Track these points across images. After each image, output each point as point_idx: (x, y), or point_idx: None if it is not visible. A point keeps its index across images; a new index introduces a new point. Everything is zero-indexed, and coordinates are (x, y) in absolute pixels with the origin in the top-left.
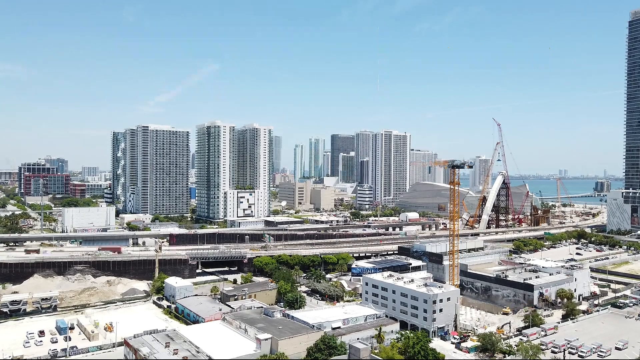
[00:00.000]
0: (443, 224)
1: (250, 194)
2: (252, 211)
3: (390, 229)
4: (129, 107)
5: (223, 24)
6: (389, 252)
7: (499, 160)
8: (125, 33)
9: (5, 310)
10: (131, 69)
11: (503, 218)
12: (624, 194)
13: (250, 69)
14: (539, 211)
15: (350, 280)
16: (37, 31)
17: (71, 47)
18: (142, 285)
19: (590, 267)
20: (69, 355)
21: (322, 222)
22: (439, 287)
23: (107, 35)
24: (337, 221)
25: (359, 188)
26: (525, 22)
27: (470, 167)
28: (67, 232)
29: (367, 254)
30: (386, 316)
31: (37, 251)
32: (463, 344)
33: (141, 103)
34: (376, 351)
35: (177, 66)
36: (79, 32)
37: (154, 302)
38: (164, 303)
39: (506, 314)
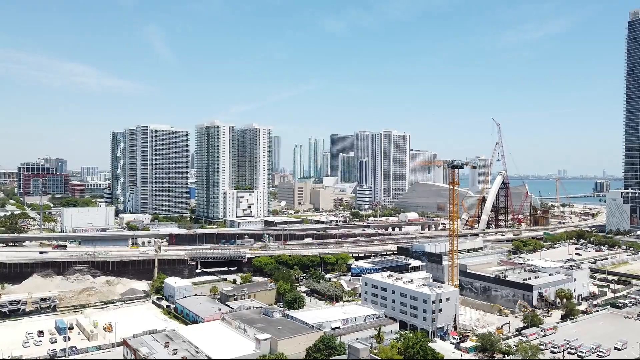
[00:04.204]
0: (442, 224)
1: (250, 194)
2: (251, 211)
3: (390, 229)
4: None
5: (221, 29)
6: (388, 252)
7: (498, 160)
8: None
9: (4, 310)
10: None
11: (502, 218)
12: (623, 194)
13: (250, 69)
14: (538, 211)
15: (349, 280)
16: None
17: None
18: (142, 285)
19: (589, 267)
20: (68, 355)
21: (321, 222)
22: (439, 287)
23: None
24: (337, 221)
25: (358, 188)
26: (524, 22)
27: (474, 167)
28: (66, 232)
29: (366, 254)
30: (385, 316)
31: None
32: (462, 344)
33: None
34: (375, 351)
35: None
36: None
37: (153, 302)
38: (163, 303)
39: (503, 313)
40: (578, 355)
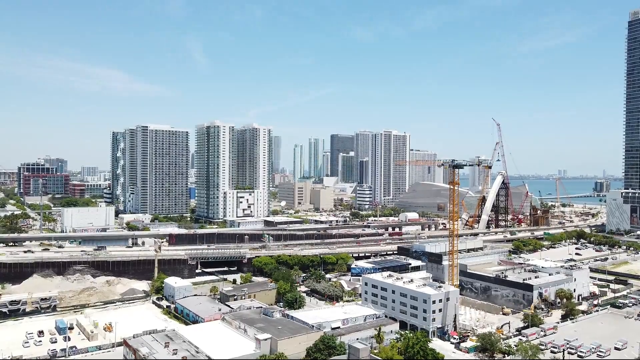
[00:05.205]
0: (442, 224)
1: (250, 194)
2: (251, 211)
3: (390, 229)
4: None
5: (220, 25)
6: (388, 252)
7: (498, 160)
8: None
9: (4, 310)
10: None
11: (502, 218)
12: (623, 194)
13: (250, 69)
14: (539, 211)
15: (349, 280)
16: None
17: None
18: (142, 285)
19: (589, 267)
20: (68, 355)
21: (321, 222)
22: (439, 287)
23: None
24: (337, 221)
25: (358, 188)
26: (523, 22)
27: (489, 167)
28: (66, 232)
29: (366, 254)
30: (385, 316)
31: None
32: (462, 344)
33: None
34: (375, 351)
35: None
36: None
37: (154, 302)
38: (164, 303)
39: (505, 314)
40: (578, 355)
